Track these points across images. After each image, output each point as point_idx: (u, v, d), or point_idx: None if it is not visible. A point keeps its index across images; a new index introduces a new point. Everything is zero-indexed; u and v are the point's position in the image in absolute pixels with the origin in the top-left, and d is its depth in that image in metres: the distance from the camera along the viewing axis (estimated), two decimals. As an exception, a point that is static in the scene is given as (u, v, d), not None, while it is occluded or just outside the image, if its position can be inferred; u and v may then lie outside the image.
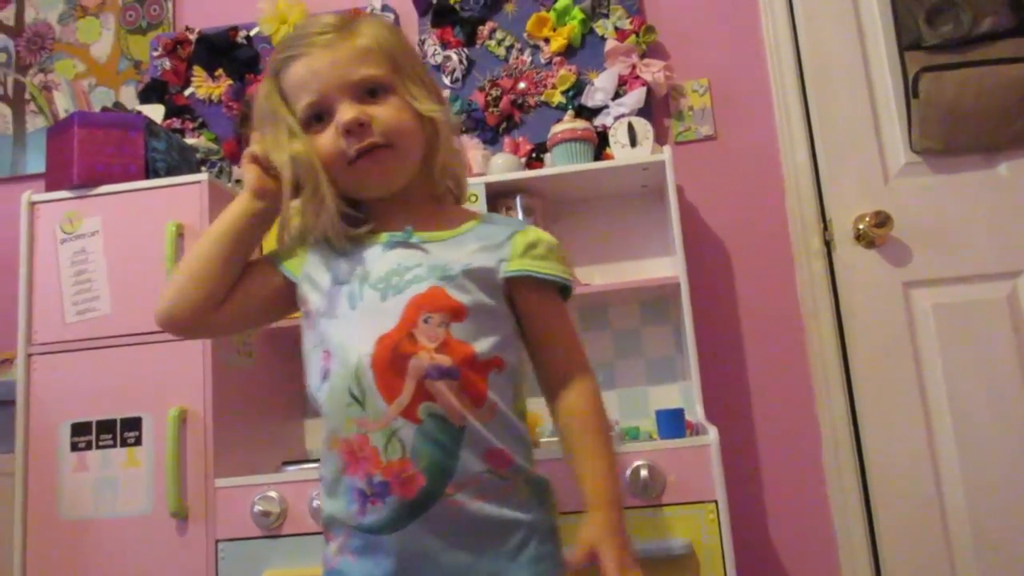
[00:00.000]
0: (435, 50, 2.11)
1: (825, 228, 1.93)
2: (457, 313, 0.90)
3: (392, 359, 0.88)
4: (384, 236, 0.96)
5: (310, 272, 0.97)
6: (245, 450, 1.69)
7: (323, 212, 0.94)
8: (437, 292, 0.91)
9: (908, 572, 1.76)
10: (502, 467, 0.90)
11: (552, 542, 0.93)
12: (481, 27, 2.12)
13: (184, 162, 1.84)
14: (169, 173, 1.75)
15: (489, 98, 2.06)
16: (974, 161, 1.88)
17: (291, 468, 1.63)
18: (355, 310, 0.92)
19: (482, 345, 0.91)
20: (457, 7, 2.12)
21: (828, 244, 1.92)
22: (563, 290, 1.00)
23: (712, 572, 1.42)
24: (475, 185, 1.82)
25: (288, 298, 1.00)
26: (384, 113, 0.93)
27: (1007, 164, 1.87)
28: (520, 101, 2.07)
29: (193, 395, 1.57)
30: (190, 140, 2.06)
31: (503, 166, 1.91)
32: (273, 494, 1.51)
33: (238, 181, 2.08)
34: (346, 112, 0.92)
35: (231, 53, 2.20)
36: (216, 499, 1.53)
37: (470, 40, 2.12)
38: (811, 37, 1.99)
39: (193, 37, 2.22)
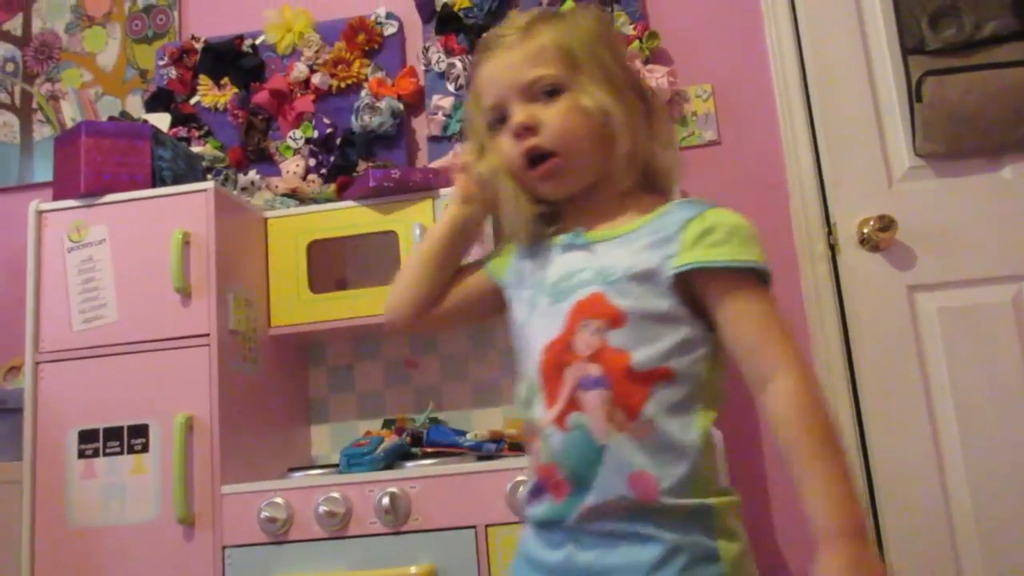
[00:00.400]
0: (439, 57, 2.12)
1: (829, 232, 1.93)
2: (615, 320, 0.86)
3: (554, 366, 0.88)
4: (560, 239, 0.96)
5: (511, 275, 1.00)
6: (251, 456, 1.69)
7: (513, 216, 0.96)
8: (597, 298, 0.88)
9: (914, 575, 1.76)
10: (646, 497, 0.83)
11: (700, 569, 0.83)
12: (485, 34, 2.12)
13: (190, 170, 1.85)
14: (175, 181, 1.76)
15: (493, 105, 2.07)
16: (978, 164, 1.88)
17: (297, 474, 1.64)
18: (533, 315, 0.93)
19: (643, 354, 0.85)
20: (461, 14, 2.13)
21: (832, 248, 1.92)
22: (760, 277, 0.89)
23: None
24: (479, 191, 1.83)
25: (497, 299, 1.02)
26: (552, 116, 0.92)
27: (1011, 167, 1.87)
28: (524, 107, 2.07)
29: (199, 402, 1.58)
30: (196, 148, 2.07)
31: (507, 172, 1.91)
32: (279, 500, 1.52)
33: (244, 189, 2.10)
34: (515, 115, 0.93)
35: (237, 62, 2.21)
36: (223, 505, 1.54)
37: (474, 47, 2.12)
38: (814, 41, 2.00)
39: (199, 46, 2.23)
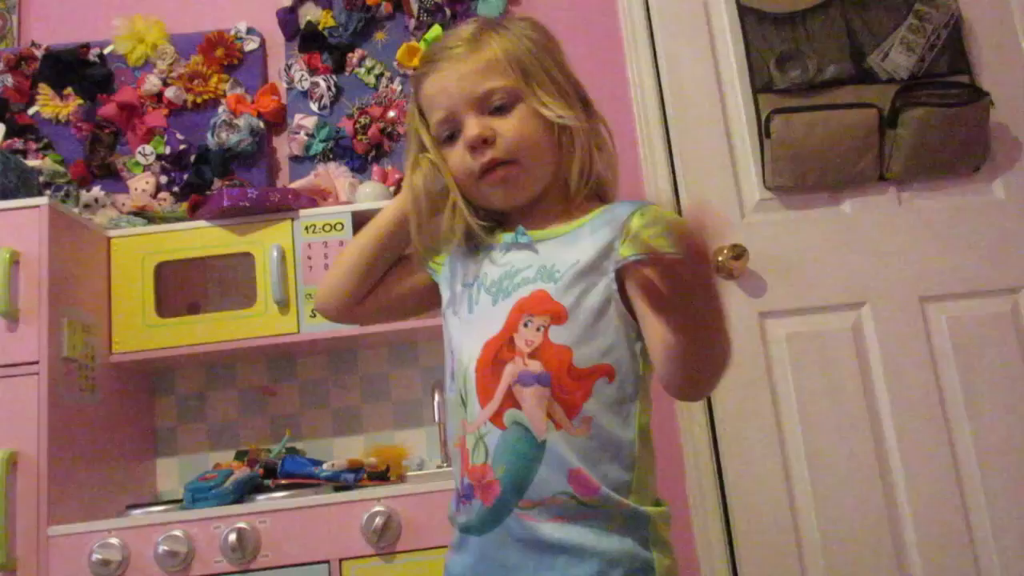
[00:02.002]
0: (302, 76, 2.07)
1: (686, 260, 1.98)
2: (557, 316, 0.87)
3: (492, 363, 0.87)
4: (502, 237, 0.96)
5: (447, 273, 1.00)
6: (86, 494, 1.56)
7: (455, 222, 0.94)
8: (540, 294, 0.88)
9: (766, 594, 1.82)
10: (585, 493, 0.84)
11: None
12: (350, 54, 2.09)
13: (23, 185, 1.71)
14: (5, 196, 1.62)
15: (358, 126, 2.03)
16: (821, 198, 2.00)
17: (136, 512, 1.53)
18: (472, 314, 0.93)
19: (584, 350, 0.86)
20: (325, 33, 2.09)
21: (689, 276, 1.98)
22: None
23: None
24: (342, 214, 1.79)
25: (431, 295, 1.03)
26: (508, 127, 0.91)
27: (850, 202, 1.99)
28: (389, 130, 2.05)
29: (25, 436, 1.44)
30: (32, 162, 1.92)
31: (371, 195, 1.88)
32: (115, 540, 1.40)
33: (87, 206, 1.96)
34: (470, 128, 0.91)
35: (82, 71, 2.07)
36: (49, 549, 1.41)
37: (339, 67, 2.08)
38: (673, 80, 2.07)
39: (39, 53, 2.08)
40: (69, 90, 2.07)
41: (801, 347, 1.92)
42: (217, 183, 1.98)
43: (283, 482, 1.56)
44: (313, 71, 2.07)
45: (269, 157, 2.08)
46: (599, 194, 0.99)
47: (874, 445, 1.87)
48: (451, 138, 0.95)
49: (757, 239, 1.95)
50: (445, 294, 1.00)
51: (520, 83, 0.93)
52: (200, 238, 1.77)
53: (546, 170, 0.95)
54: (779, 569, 1.82)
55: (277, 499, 1.47)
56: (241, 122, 1.99)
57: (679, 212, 1.97)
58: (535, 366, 0.86)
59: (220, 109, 2.04)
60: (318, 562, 1.40)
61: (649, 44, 2.11)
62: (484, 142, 0.91)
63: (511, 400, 0.86)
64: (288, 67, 2.09)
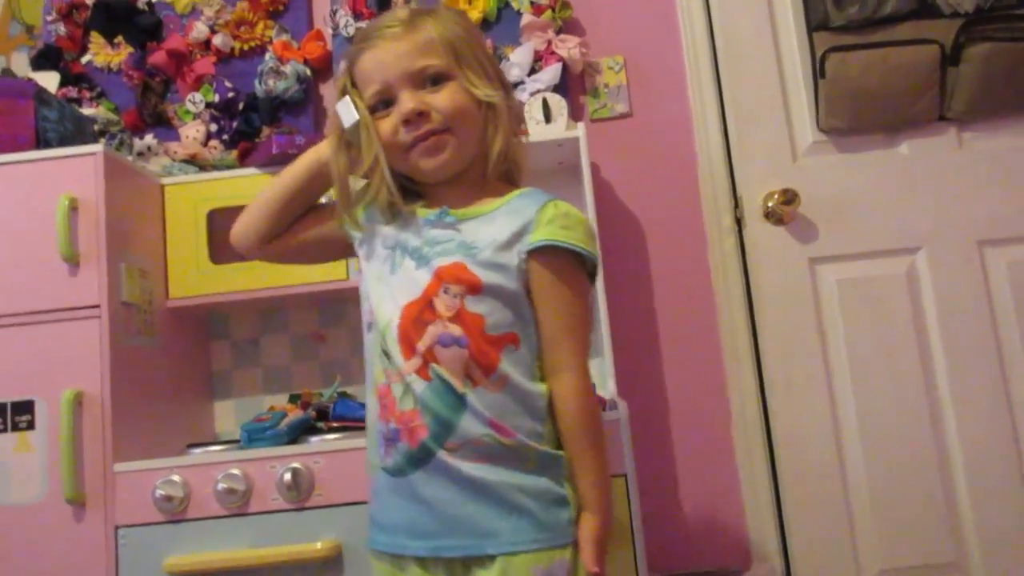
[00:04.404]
0: (347, 21, 2.06)
1: (736, 205, 1.96)
2: (473, 287, 0.97)
3: (414, 322, 0.97)
4: (426, 212, 1.04)
5: (366, 232, 1.08)
6: (148, 433, 1.62)
7: (381, 186, 1.02)
8: (459, 266, 0.98)
9: (812, 539, 1.82)
10: (506, 436, 0.95)
11: (555, 511, 0.96)
12: (366, 25, 2.06)
13: (79, 132, 1.75)
14: (62, 144, 1.66)
15: (403, 71, 2.02)
16: (876, 140, 1.94)
17: (196, 451, 1.58)
18: (393, 275, 1.02)
19: (494, 319, 0.97)
20: (370, -23, 2.07)
21: (739, 221, 1.95)
22: (588, 274, 1.03)
23: (622, 545, 1.44)
24: (388, 160, 1.79)
25: (342, 246, 1.12)
26: (442, 99, 1.00)
27: (907, 143, 1.93)
28: (435, 75, 2.03)
29: (89, 377, 1.50)
30: (87, 110, 1.96)
31: (417, 141, 1.87)
32: (176, 478, 1.46)
33: (140, 154, 1.99)
34: (406, 102, 0.99)
35: (131, 19, 2.09)
36: (115, 484, 1.47)
37: (383, 10, 2.06)
38: (724, 17, 2.01)
39: (90, 2, 2.10)
40: (120, 38, 2.10)
41: (853, 293, 1.89)
42: (265, 130, 2.00)
43: (335, 425, 1.60)
44: (358, 16, 2.06)
45: (316, 104, 2.08)
46: (508, 176, 1.08)
47: (927, 395, 1.84)
48: (383, 107, 1.02)
49: (809, 182, 1.91)
50: (361, 250, 1.09)
51: (452, 63, 1.01)
52: (250, 185, 1.79)
53: (473, 144, 1.03)
54: (826, 516, 1.82)
55: (330, 440, 1.51)
56: (288, 69, 2.00)
57: (729, 163, 1.95)
58: (455, 330, 0.96)
59: (267, 56, 2.05)
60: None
61: (699, -21, 2.05)
62: (420, 115, 0.99)
63: (432, 356, 0.96)
64: (333, 12, 2.08)
